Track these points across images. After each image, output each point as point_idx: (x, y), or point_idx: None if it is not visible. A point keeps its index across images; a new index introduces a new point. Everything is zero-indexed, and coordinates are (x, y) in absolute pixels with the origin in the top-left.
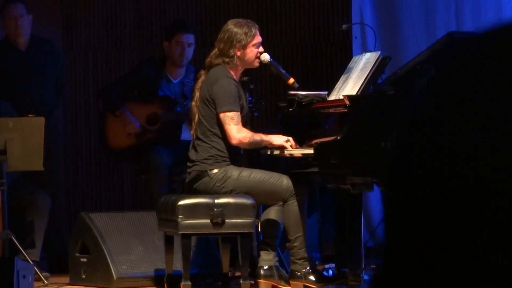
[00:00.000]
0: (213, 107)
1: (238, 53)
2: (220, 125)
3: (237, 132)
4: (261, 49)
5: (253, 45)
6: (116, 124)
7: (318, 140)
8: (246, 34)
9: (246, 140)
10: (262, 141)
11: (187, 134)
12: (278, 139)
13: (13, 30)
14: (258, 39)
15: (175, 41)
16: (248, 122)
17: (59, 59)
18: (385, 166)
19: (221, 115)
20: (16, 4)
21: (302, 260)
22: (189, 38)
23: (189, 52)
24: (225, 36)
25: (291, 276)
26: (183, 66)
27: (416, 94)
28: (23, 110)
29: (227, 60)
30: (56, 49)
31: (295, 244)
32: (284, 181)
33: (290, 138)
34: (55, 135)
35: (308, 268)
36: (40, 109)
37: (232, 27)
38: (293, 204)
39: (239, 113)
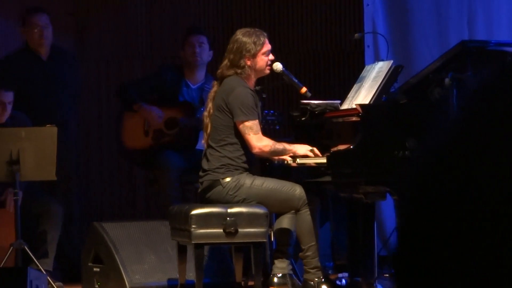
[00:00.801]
0: (229, 116)
1: (249, 63)
2: (237, 134)
3: (257, 141)
4: (271, 56)
5: (263, 54)
6: (132, 124)
7: (334, 149)
8: (254, 43)
9: (267, 149)
10: (285, 150)
11: (201, 144)
12: (302, 149)
13: (37, 40)
14: (267, 47)
15: (187, 45)
16: (267, 134)
17: (77, 70)
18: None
19: (240, 126)
20: (42, 14)
21: (315, 270)
22: (199, 38)
23: (202, 51)
24: (234, 47)
25: (304, 285)
26: (198, 66)
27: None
28: (41, 120)
29: (239, 71)
30: (74, 60)
31: (308, 253)
32: (296, 190)
33: (314, 148)
34: (69, 144)
35: (321, 277)
36: (58, 119)
37: (241, 37)
38: (305, 213)
39: (257, 121)
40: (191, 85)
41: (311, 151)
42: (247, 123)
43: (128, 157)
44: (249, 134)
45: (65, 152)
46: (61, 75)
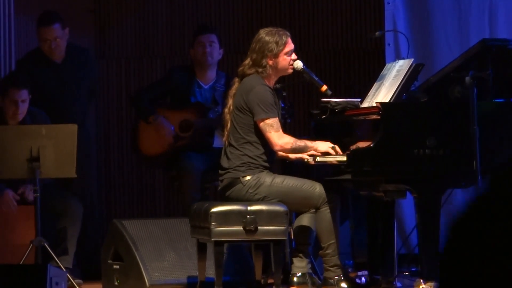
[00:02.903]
0: (249, 115)
1: (270, 62)
2: (257, 133)
3: (278, 138)
4: (293, 56)
5: (285, 53)
6: (148, 131)
7: (354, 147)
8: (277, 43)
9: (288, 146)
10: (306, 147)
11: (219, 141)
12: (323, 146)
13: (47, 50)
14: (290, 47)
15: (196, 44)
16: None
17: (93, 68)
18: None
19: (261, 124)
20: (51, 27)
21: (335, 267)
22: (209, 37)
23: (212, 50)
24: (257, 47)
25: (324, 283)
26: (209, 65)
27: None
28: (58, 121)
29: (260, 70)
30: (91, 58)
31: (327, 251)
32: (316, 188)
33: (336, 146)
34: (88, 142)
35: (341, 275)
36: (74, 119)
37: (264, 36)
38: (325, 211)
39: (277, 119)
40: (203, 85)
41: (332, 148)
42: (268, 121)
43: (146, 163)
44: (270, 132)
45: (84, 151)
46: (76, 77)
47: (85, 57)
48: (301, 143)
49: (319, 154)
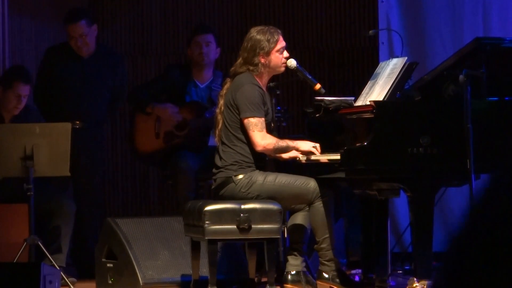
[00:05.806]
0: (237, 112)
1: (263, 60)
2: (244, 131)
3: (261, 138)
4: (285, 54)
5: (277, 51)
6: (144, 127)
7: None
8: (268, 41)
9: (270, 147)
10: (288, 147)
11: (214, 141)
12: (304, 145)
13: (74, 47)
14: (281, 44)
15: (193, 43)
16: (275, 130)
17: (122, 72)
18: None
19: (245, 121)
20: (77, 25)
21: (330, 262)
22: (206, 37)
23: (209, 50)
24: (248, 45)
25: (318, 276)
26: (205, 65)
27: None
28: (71, 116)
29: (251, 68)
30: (121, 62)
31: (322, 245)
32: (310, 183)
33: (317, 145)
34: (102, 144)
35: (335, 269)
36: (90, 118)
37: (255, 34)
38: (319, 206)
39: (263, 119)
40: (199, 84)
41: (314, 147)
42: (252, 120)
43: (142, 160)
44: (253, 131)
45: (98, 152)
46: (100, 73)
47: (114, 60)
48: (283, 143)
49: (301, 153)
